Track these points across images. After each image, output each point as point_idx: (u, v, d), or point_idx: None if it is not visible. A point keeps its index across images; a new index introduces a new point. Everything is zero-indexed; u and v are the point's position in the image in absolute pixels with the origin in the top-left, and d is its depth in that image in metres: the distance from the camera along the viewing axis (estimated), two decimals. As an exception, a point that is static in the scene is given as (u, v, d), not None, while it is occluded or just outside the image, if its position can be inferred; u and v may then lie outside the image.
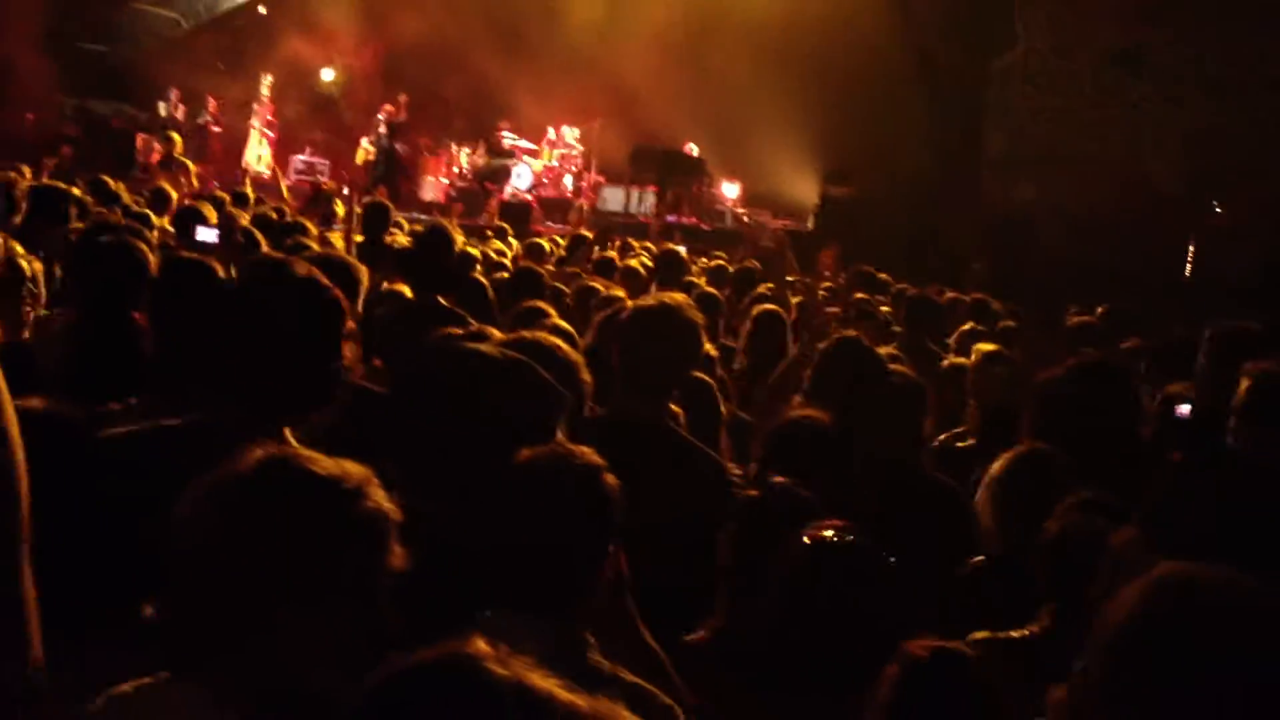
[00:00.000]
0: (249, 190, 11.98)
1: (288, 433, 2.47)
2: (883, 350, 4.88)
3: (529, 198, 20.07)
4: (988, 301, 9.31)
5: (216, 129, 20.68)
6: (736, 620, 2.86)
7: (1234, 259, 14.85)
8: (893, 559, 2.72)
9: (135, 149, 18.40)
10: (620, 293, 5.86)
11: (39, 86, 18.61)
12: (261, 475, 1.72)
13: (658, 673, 2.48)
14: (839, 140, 18.92)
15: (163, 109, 20.17)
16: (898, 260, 13.00)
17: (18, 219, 6.09)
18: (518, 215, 17.71)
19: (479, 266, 7.39)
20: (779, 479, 3.10)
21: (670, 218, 18.90)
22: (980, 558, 3.49)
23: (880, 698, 2.24)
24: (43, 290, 4.24)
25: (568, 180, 21.19)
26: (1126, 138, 17.09)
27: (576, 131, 21.32)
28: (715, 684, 2.61)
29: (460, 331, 4.45)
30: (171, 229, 7.41)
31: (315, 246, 6.14)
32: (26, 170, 10.62)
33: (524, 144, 20.97)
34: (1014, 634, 2.97)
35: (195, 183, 14.60)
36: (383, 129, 20.13)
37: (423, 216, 16.58)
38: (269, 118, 21.15)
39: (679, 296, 3.80)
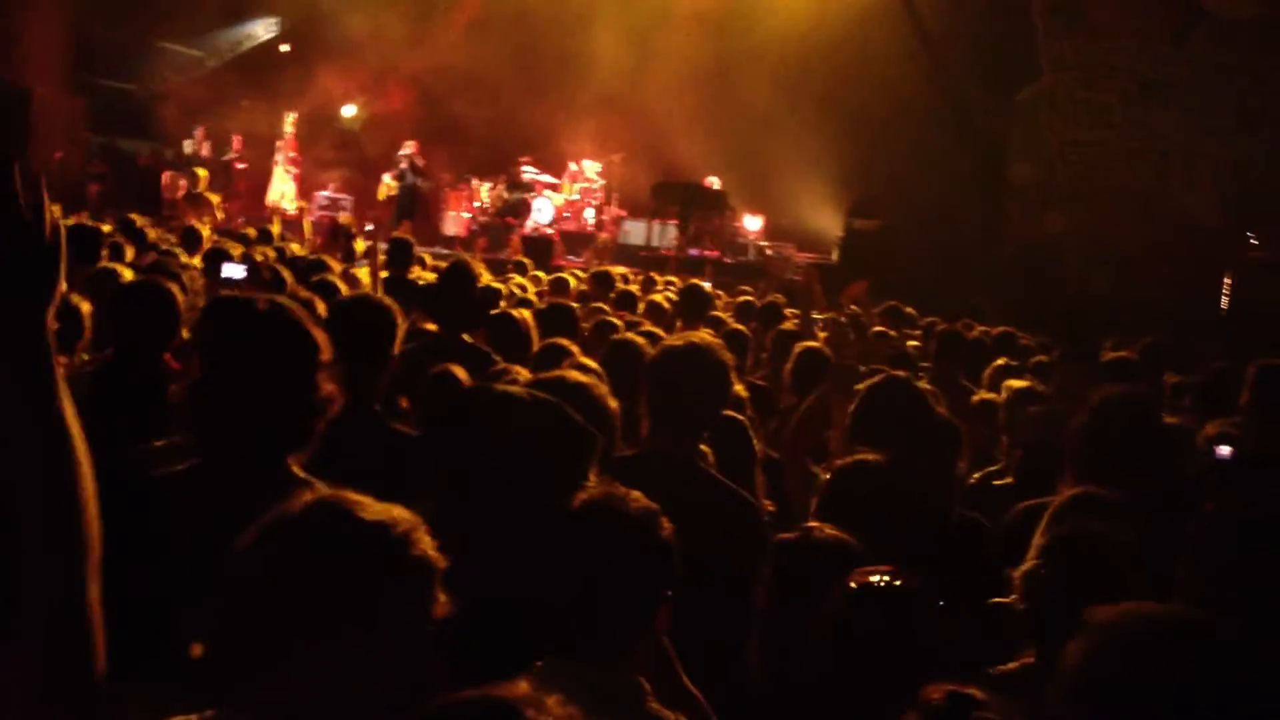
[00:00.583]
0: (275, 227, 12.05)
1: (293, 466, 2.53)
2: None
3: (550, 232, 20.11)
4: (1014, 335, 9.23)
5: (241, 166, 20.86)
6: (774, 666, 2.79)
7: (1272, 292, 14.66)
8: (941, 603, 2.66)
9: (161, 186, 18.55)
10: (651, 327, 5.81)
11: (66, 124, 18.82)
12: (311, 518, 1.74)
13: (700, 716, 2.44)
14: (863, 172, 18.92)
15: (188, 146, 20.37)
16: (924, 293, 12.93)
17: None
18: (540, 249, 17.75)
19: (502, 303, 7.35)
20: (815, 524, 3.04)
21: (693, 251, 18.90)
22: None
23: None
24: (87, 329, 4.24)
25: (589, 214, 21.22)
26: (1157, 169, 17.01)
27: (598, 165, 21.37)
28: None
29: (491, 369, 4.45)
30: (199, 266, 7.42)
31: (341, 284, 6.13)
32: (56, 208, 10.69)
33: (545, 178, 21.03)
34: (1011, 666, 2.92)
35: (220, 215, 14.71)
36: (405, 164, 20.24)
37: (445, 251, 16.65)
38: (293, 154, 21.31)
39: (708, 336, 3.76)
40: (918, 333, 8.93)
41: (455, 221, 20.96)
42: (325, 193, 20.89)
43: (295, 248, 9.92)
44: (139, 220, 9.33)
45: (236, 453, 2.49)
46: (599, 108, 21.17)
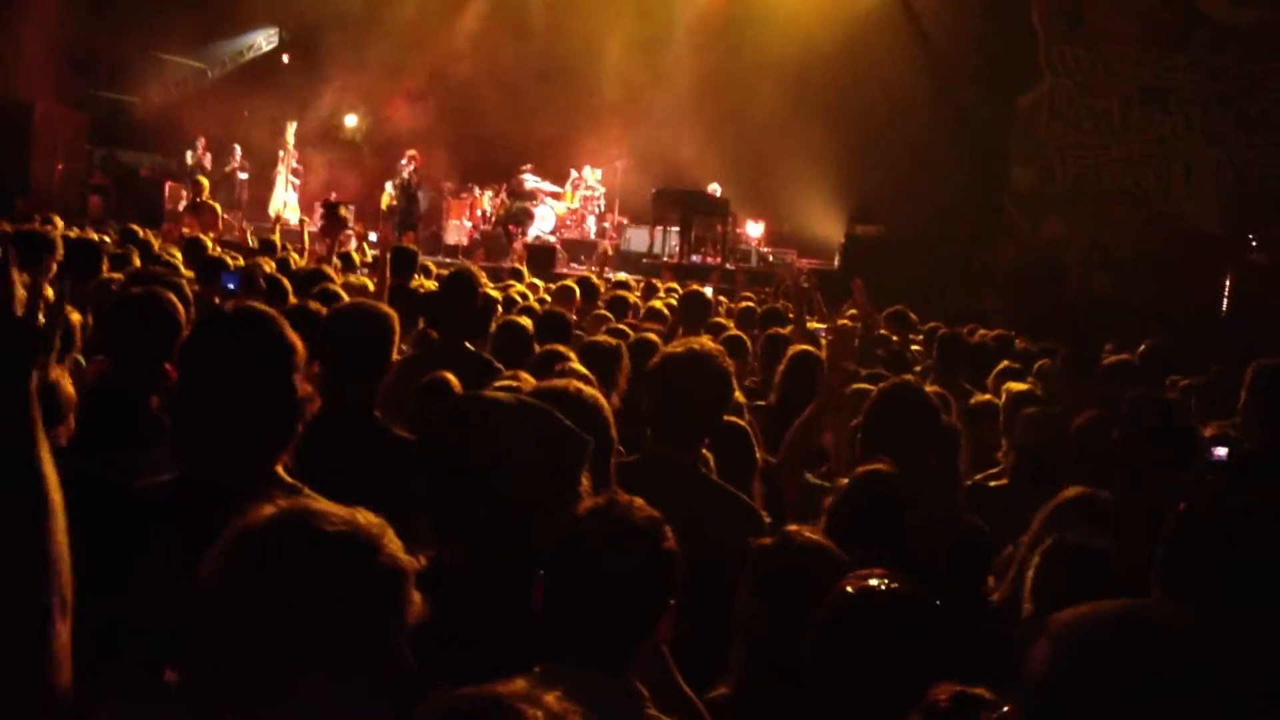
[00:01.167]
0: (276, 238, 12.06)
1: (280, 471, 2.51)
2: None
3: (552, 240, 20.12)
4: (1011, 337, 9.23)
5: (243, 176, 20.89)
6: (758, 672, 2.77)
7: (1272, 296, 14.64)
8: (939, 603, 2.65)
9: (163, 198, 18.58)
10: (651, 336, 5.81)
11: (67, 137, 18.86)
12: (272, 533, 1.71)
13: (698, 722, 2.43)
14: (864, 178, 18.93)
15: (190, 158, 20.39)
16: (925, 298, 12.93)
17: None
18: (542, 258, 17.76)
19: (500, 310, 7.36)
20: (794, 527, 3.03)
21: (694, 258, 18.91)
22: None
23: None
24: (78, 340, 4.25)
25: (590, 222, 21.23)
26: (1158, 173, 17.02)
27: (599, 173, 21.38)
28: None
29: (491, 376, 4.45)
30: (191, 274, 7.43)
31: (344, 294, 6.14)
32: (58, 220, 10.74)
33: (546, 186, 21.03)
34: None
35: (222, 226, 14.73)
36: (406, 174, 20.26)
37: (447, 260, 16.66)
38: (294, 165, 21.34)
39: (708, 343, 3.75)
40: (920, 337, 8.92)
41: (457, 230, 20.98)
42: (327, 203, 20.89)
43: (295, 258, 9.92)
44: (141, 232, 9.34)
45: (216, 459, 2.47)
46: (600, 115, 21.20)
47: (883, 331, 8.25)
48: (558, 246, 19.76)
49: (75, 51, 19.39)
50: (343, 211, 10.68)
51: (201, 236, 10.13)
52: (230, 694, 1.67)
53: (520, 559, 2.32)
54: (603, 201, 21.39)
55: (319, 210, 20.29)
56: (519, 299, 8.49)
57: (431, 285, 8.33)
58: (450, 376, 4.28)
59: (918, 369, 6.95)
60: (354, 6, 21.40)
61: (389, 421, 3.80)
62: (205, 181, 17.76)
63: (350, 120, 22.80)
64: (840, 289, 10.95)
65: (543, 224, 20.53)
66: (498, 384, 3.92)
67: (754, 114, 20.05)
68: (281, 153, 21.16)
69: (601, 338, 5.57)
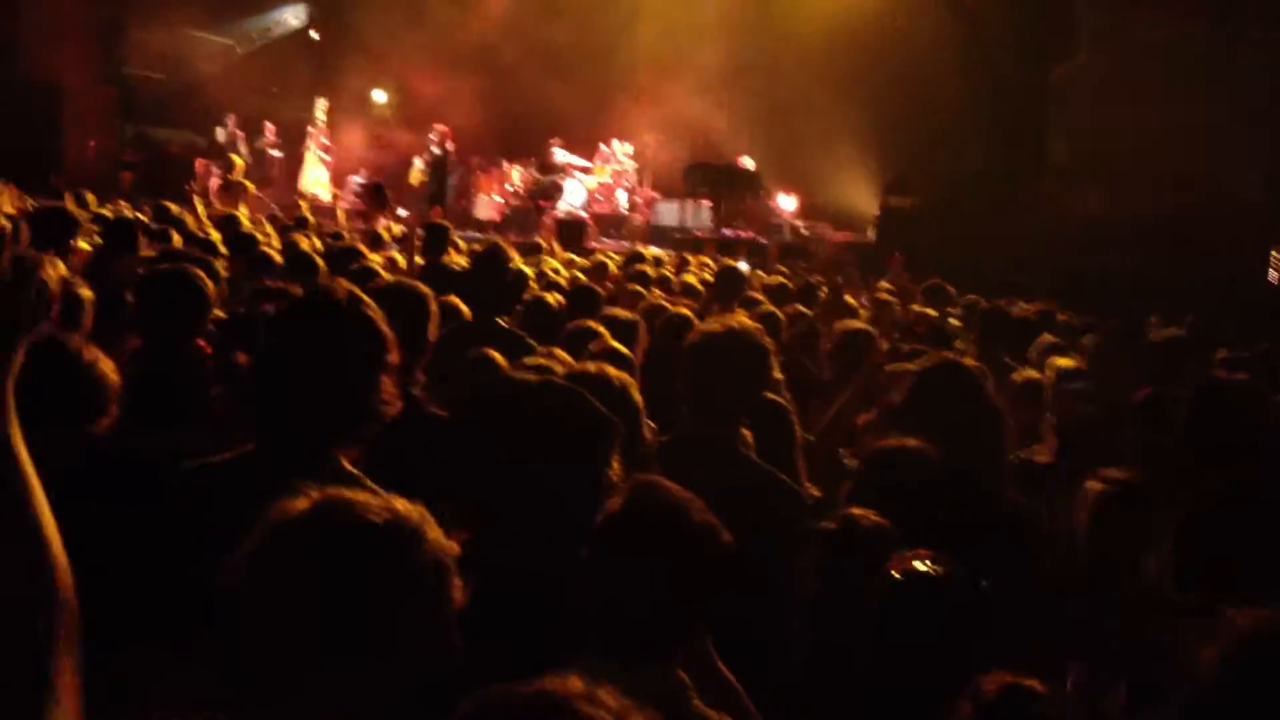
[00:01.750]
0: (308, 214, 12.06)
1: (343, 460, 2.46)
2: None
3: (583, 214, 20.04)
4: (1053, 311, 9.09)
5: (275, 153, 20.91)
6: (820, 655, 2.74)
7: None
8: (984, 585, 2.61)
9: (195, 175, 18.64)
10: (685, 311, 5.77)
11: (99, 114, 18.93)
12: (312, 523, 1.67)
13: (740, 711, 2.40)
14: (898, 150, 18.75)
15: (220, 134, 20.43)
16: (960, 270, 12.79)
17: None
18: (573, 232, 17.71)
19: (534, 285, 7.33)
20: (855, 510, 2.98)
21: (726, 231, 18.80)
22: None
23: None
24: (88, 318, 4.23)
25: (621, 196, 21.13)
26: (1197, 146, 16.72)
27: (629, 147, 21.26)
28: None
29: (524, 352, 4.42)
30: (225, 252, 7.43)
31: (383, 272, 6.11)
32: (90, 197, 10.76)
33: (576, 160, 20.95)
34: None
35: (253, 205, 14.74)
36: (435, 149, 20.22)
37: (478, 235, 16.63)
38: (324, 141, 21.34)
39: (745, 320, 3.70)
40: (958, 310, 8.81)
41: (487, 205, 20.94)
42: (357, 179, 20.89)
43: (330, 236, 9.91)
44: (174, 209, 9.35)
45: (289, 439, 2.43)
46: (629, 89, 21.08)
47: (917, 307, 8.16)
48: (589, 221, 19.70)
49: (104, 28, 19.44)
50: (387, 192, 10.70)
51: (235, 213, 10.12)
52: (268, 688, 1.63)
53: (550, 543, 2.28)
54: (634, 175, 21.28)
55: (351, 186, 20.36)
56: (550, 274, 8.44)
57: (462, 261, 8.29)
58: (495, 354, 4.25)
59: (958, 344, 6.86)
60: (382, -19, 21.37)
61: (428, 401, 3.77)
62: (239, 160, 17.79)
63: (379, 96, 22.77)
64: (876, 262, 10.84)
65: (572, 198, 20.46)
66: (529, 361, 3.90)
67: (786, 85, 19.88)
68: (311, 129, 21.17)
69: (618, 310, 5.55)
